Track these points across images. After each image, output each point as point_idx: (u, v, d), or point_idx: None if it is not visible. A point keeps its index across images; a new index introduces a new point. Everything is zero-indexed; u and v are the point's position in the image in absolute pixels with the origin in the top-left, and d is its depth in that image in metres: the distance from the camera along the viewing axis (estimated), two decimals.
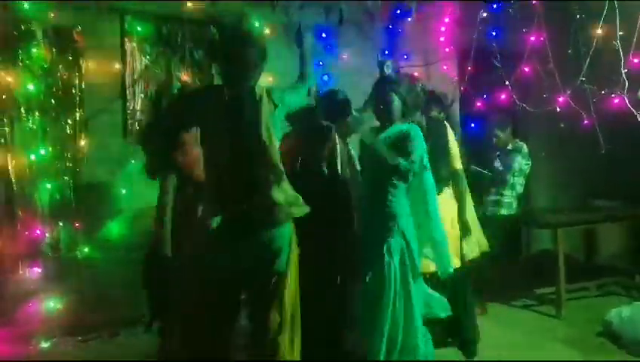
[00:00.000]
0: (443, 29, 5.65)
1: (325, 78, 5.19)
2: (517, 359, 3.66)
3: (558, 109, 4.75)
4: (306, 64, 3.01)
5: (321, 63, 5.21)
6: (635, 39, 4.04)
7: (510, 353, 3.77)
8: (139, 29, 4.64)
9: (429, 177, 3.19)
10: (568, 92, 4.66)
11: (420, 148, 3.09)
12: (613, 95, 4.27)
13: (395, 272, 3.00)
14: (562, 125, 4.84)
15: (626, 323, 3.89)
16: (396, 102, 3.20)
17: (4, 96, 4.24)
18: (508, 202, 4.91)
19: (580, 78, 4.53)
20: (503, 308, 4.93)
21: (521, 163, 4.91)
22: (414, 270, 3.08)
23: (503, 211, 4.91)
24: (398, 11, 5.39)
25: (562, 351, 3.90)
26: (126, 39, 4.61)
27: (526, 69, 4.92)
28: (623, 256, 5.52)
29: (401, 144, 3.08)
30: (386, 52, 5.29)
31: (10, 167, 4.27)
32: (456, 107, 5.54)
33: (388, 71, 3.60)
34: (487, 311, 4.66)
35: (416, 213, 3.17)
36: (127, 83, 4.61)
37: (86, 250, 4.41)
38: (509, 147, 4.98)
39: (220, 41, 2.72)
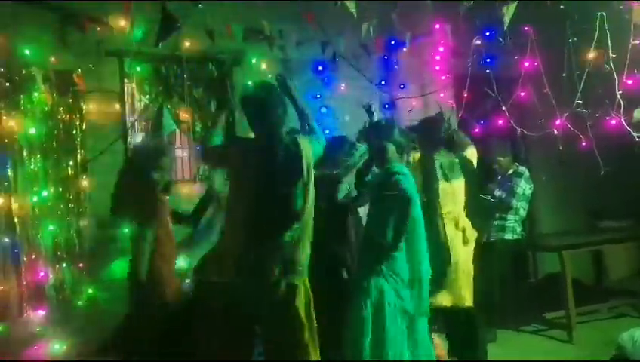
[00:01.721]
0: (438, 57, 5.72)
1: (323, 110, 5.26)
2: None
3: (555, 132, 4.77)
4: (308, 118, 3.09)
5: (318, 96, 5.28)
6: (627, 61, 4.08)
7: None
8: (138, 69, 4.73)
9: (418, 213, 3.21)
10: (565, 115, 4.68)
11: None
12: (608, 117, 4.30)
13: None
14: (561, 148, 4.85)
15: (639, 347, 3.82)
16: (389, 148, 3.24)
17: (6, 140, 4.30)
18: (512, 226, 4.89)
19: (576, 101, 4.56)
20: (513, 333, 4.87)
21: (525, 187, 4.91)
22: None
23: (508, 236, 4.89)
24: (393, 42, 5.47)
25: None
26: (125, 80, 4.69)
27: (522, 94, 4.96)
28: (632, 278, 5.47)
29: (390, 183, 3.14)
30: (383, 82, 5.35)
31: (13, 210, 4.30)
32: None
33: (374, 114, 3.73)
34: (497, 338, 4.59)
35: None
36: (127, 123, 4.67)
37: (90, 290, 4.41)
38: (510, 172, 4.99)
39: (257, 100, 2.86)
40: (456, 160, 3.73)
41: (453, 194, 3.62)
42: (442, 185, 3.58)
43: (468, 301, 3.52)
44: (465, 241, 3.59)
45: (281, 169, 2.71)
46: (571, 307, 4.61)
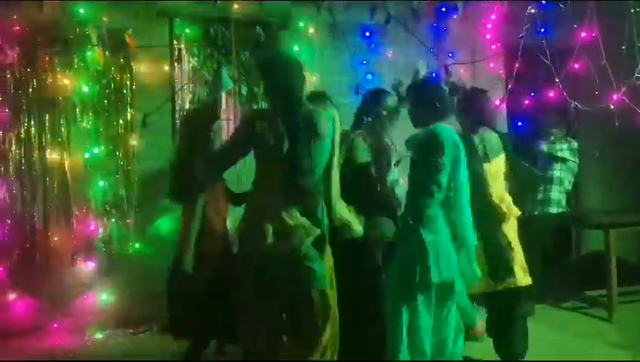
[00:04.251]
0: (490, 26, 5.56)
1: (369, 76, 5.20)
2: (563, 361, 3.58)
3: (612, 107, 4.61)
4: None
5: (365, 62, 5.22)
6: None
7: (558, 355, 3.68)
8: (187, 31, 4.76)
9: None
10: (623, 89, 4.51)
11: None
12: None
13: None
14: (617, 123, 4.69)
15: None
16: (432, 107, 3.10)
17: (60, 98, 4.44)
18: (557, 199, 4.80)
19: (636, 75, 4.38)
20: (551, 310, 4.83)
21: (569, 158, 4.81)
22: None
23: (552, 209, 4.80)
24: (444, 9, 5.34)
25: (612, 355, 3.78)
26: (175, 42, 4.73)
27: (576, 66, 4.79)
28: None
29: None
30: (432, 50, 5.24)
31: (66, 166, 4.47)
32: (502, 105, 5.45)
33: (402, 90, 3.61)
34: (536, 313, 4.56)
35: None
36: (175, 85, 4.75)
37: (137, 245, 4.58)
38: (562, 144, 4.91)
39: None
40: (496, 136, 3.59)
41: (496, 173, 3.50)
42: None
43: (522, 280, 3.43)
44: (506, 219, 3.49)
45: (306, 132, 2.66)
46: (614, 286, 4.53)
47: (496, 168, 3.48)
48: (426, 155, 2.91)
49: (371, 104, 3.50)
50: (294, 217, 2.62)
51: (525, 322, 3.53)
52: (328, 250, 2.77)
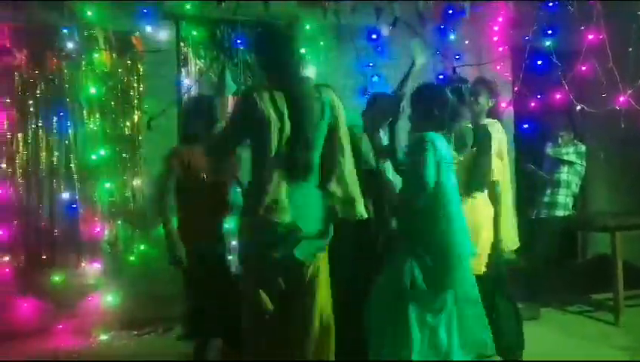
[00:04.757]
0: (496, 28, 5.55)
1: (375, 78, 5.19)
2: None
3: (618, 108, 4.59)
4: None
5: (371, 64, 5.21)
6: None
7: (564, 359, 3.67)
8: (194, 33, 4.78)
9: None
10: (629, 91, 4.49)
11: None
12: None
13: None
14: (623, 126, 4.68)
15: None
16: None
17: (68, 99, 4.46)
18: (563, 202, 4.79)
19: None
20: (557, 313, 4.80)
21: (577, 162, 4.80)
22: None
23: (559, 212, 4.79)
24: (450, 11, 5.33)
25: (619, 359, 3.76)
26: (181, 44, 4.75)
27: (583, 68, 4.78)
28: None
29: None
30: (438, 52, 5.23)
31: (72, 167, 4.49)
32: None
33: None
34: (541, 316, 4.55)
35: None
36: (182, 87, 4.76)
37: (142, 247, 4.59)
38: (568, 147, 4.89)
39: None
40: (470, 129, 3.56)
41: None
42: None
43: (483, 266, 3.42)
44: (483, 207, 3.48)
45: (305, 110, 2.57)
46: (620, 289, 4.50)
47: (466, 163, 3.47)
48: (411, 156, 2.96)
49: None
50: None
51: (512, 319, 3.51)
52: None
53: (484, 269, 3.37)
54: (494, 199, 3.50)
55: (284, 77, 2.62)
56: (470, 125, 3.51)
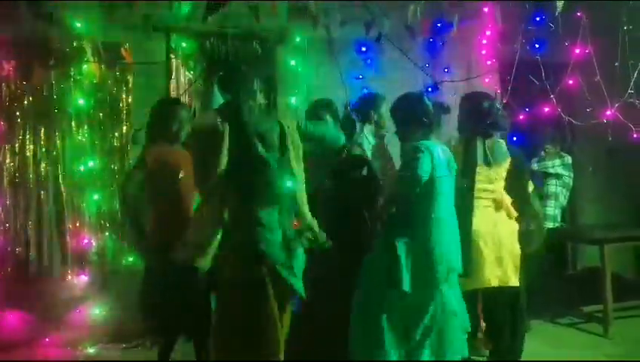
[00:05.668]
0: (485, 41, 5.60)
1: (365, 91, 5.21)
2: None
3: (605, 122, 4.63)
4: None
5: (361, 77, 5.24)
6: None
7: None
8: (184, 45, 4.79)
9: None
10: (616, 105, 4.54)
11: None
12: None
13: None
14: (610, 138, 4.72)
15: None
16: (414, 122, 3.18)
17: (56, 111, 4.45)
18: (552, 214, 4.80)
19: (629, 91, 4.41)
20: (547, 325, 4.81)
21: (564, 174, 4.83)
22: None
23: (548, 224, 4.80)
24: (439, 25, 5.37)
25: None
26: (171, 56, 4.75)
27: (570, 82, 4.82)
28: None
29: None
30: (427, 65, 5.26)
31: (60, 179, 4.47)
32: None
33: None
34: (532, 329, 4.54)
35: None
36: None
37: (131, 259, 4.55)
38: (555, 160, 4.91)
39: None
40: (501, 142, 3.61)
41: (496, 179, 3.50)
42: (481, 169, 3.46)
43: (513, 281, 3.43)
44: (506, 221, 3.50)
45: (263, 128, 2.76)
46: (609, 301, 4.52)
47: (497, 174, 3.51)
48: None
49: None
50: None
51: (514, 336, 3.51)
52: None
53: (512, 282, 3.37)
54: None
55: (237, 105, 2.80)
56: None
